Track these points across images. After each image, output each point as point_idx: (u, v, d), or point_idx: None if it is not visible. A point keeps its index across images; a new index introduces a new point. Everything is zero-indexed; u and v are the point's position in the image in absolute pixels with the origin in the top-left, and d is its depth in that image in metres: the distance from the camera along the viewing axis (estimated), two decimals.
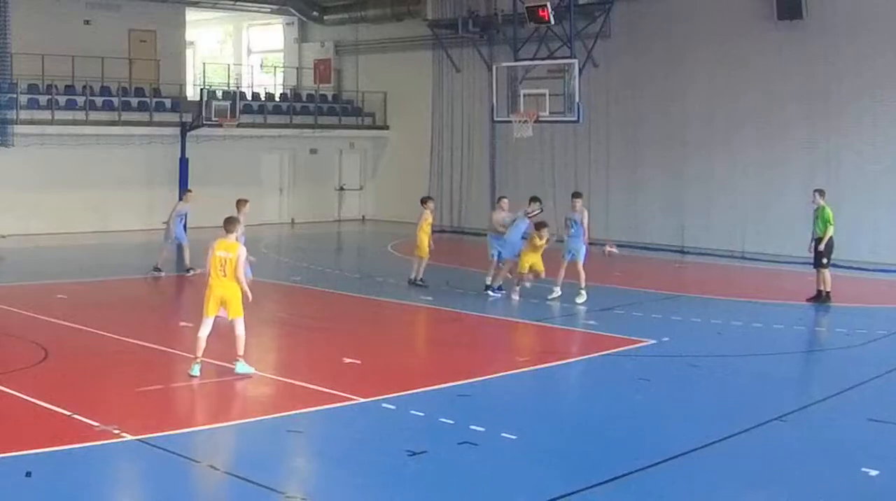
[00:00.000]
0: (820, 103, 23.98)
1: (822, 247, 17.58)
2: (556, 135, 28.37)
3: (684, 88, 26.39)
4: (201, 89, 30.09)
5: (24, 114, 26.29)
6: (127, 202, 28.99)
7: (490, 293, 18.15)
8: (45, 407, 10.23)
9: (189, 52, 35.65)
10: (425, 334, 16.52)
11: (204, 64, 34.98)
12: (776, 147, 24.81)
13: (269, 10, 35.71)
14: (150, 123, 29.19)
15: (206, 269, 11.98)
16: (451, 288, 19.36)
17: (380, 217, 34.39)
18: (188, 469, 8.69)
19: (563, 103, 22.73)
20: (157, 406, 10.74)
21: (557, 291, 17.72)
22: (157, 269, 20.13)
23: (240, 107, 29.96)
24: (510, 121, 23.83)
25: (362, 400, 10.85)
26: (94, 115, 28.37)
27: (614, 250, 17.77)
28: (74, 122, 27.86)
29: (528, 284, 17.73)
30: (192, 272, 19.68)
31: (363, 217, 35.37)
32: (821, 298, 17.78)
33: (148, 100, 29.69)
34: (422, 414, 10.44)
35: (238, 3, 34.39)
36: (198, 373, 11.61)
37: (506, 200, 18.97)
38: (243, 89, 33.54)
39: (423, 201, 19.90)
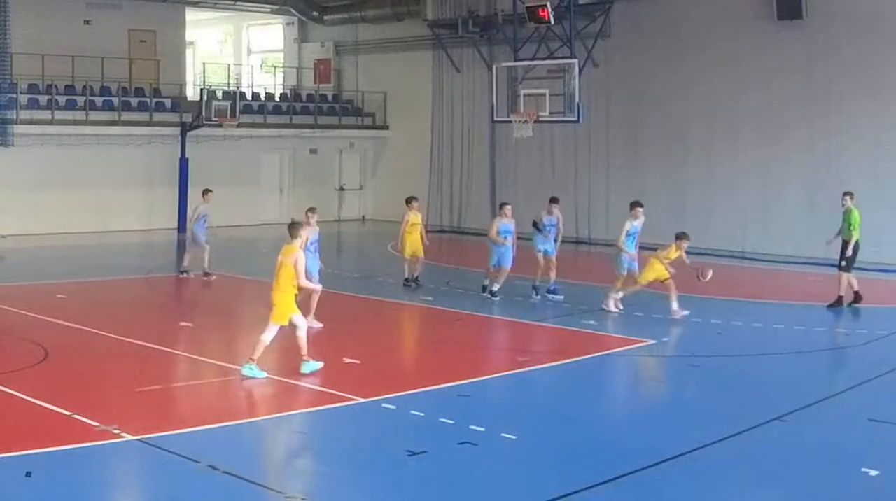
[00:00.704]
0: (820, 103, 23.98)
1: (849, 250, 17.23)
2: (556, 135, 28.36)
3: (684, 88, 26.38)
4: (201, 89, 30.08)
5: (24, 114, 26.29)
6: (127, 202, 29.00)
7: (489, 296, 18.02)
8: (45, 407, 10.23)
9: (189, 52, 35.68)
10: (425, 334, 16.51)
11: (204, 64, 34.93)
12: (776, 147, 24.81)
13: (269, 10, 35.68)
14: (150, 123, 29.19)
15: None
16: (452, 288, 19.38)
17: (380, 217, 34.31)
18: (188, 469, 8.68)
19: (563, 103, 22.69)
20: (157, 406, 10.75)
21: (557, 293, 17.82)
22: (183, 272, 19.71)
23: (240, 107, 30.00)
24: (510, 122, 23.77)
25: (362, 400, 10.85)
26: (94, 115, 28.38)
27: (709, 275, 16.89)
28: (74, 122, 27.87)
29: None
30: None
31: (363, 217, 35.37)
32: (841, 303, 17.40)
33: (148, 100, 29.70)
34: (422, 414, 10.44)
35: (238, 3, 34.38)
36: (250, 374, 11.57)
37: (508, 207, 18.42)
38: (243, 89, 33.50)
39: (408, 201, 19.69)
